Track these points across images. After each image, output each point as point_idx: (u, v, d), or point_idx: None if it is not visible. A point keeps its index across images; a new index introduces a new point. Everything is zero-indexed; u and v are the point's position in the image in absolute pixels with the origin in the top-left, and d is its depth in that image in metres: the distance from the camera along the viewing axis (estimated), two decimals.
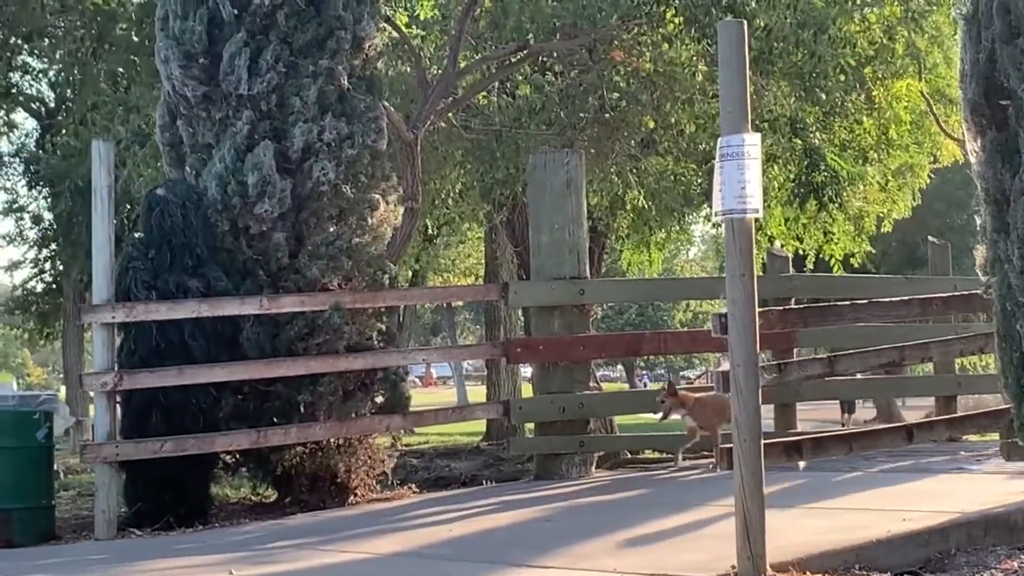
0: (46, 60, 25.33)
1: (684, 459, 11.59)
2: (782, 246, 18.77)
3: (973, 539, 6.89)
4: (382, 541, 7.71)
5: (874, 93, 17.09)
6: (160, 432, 9.39)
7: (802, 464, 8.34)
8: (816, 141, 16.96)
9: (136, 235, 10.15)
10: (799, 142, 16.85)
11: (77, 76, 22.58)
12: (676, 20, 14.41)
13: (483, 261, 27.45)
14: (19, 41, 23.15)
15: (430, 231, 23.55)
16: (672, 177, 17.65)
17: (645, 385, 64.14)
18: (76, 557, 8.09)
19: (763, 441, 5.98)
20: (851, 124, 17.37)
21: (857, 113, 16.95)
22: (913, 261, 32.55)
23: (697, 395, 10.80)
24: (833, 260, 19.79)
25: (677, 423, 11.25)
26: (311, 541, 7.88)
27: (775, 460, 6.41)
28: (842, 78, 15.36)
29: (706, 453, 12.04)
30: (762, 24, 13.89)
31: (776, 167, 17.09)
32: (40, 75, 26.87)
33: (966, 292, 9.40)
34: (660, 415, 10.72)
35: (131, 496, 9.56)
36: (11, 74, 25.28)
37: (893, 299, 10.25)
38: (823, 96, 15.61)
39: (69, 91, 23.27)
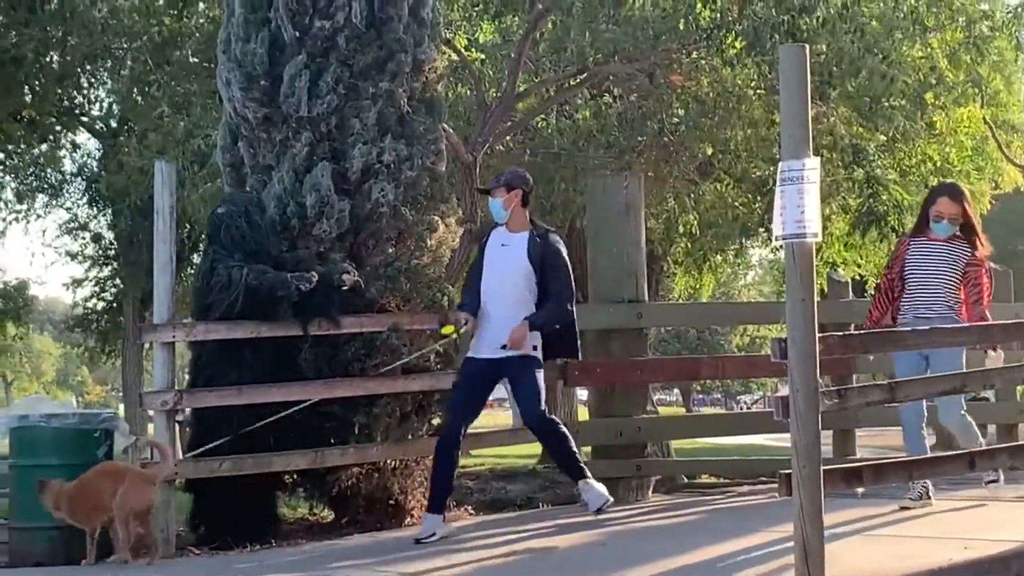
0: (108, 81, 25.58)
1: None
2: (841, 269, 18.67)
3: None
4: (438, 562, 7.71)
5: (935, 119, 16.98)
6: (219, 451, 9.43)
7: (861, 491, 8.29)
8: (878, 170, 16.84)
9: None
10: (860, 171, 16.74)
11: (138, 98, 22.78)
12: (737, 44, 14.37)
13: None
14: (82, 62, 23.39)
15: None
16: (728, 201, 17.59)
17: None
18: (134, 574, 8.13)
19: (822, 467, 5.94)
20: (912, 150, 17.23)
21: (918, 139, 16.83)
22: None
23: (71, 484, 8.65)
24: None
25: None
26: (368, 562, 7.89)
27: (834, 486, 6.36)
28: (904, 103, 15.25)
29: (766, 479, 11.95)
30: (824, 48, 13.83)
31: (837, 196, 16.98)
32: (103, 96, 27.15)
33: None
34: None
35: (189, 514, 9.62)
36: (75, 95, 25.54)
37: (954, 326, 10.16)
38: (885, 123, 15.50)
39: (131, 112, 23.48)
